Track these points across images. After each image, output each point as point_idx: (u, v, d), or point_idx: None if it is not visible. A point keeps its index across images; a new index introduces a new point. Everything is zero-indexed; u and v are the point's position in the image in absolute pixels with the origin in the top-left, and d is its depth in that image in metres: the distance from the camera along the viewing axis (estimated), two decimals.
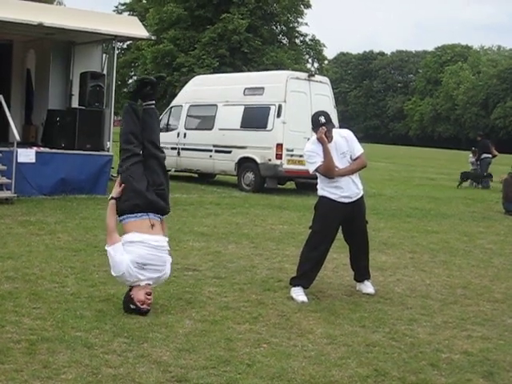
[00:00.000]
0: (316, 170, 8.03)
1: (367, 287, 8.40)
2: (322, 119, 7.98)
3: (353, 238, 8.38)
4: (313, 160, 8.02)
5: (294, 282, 8.00)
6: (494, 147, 28.92)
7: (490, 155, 28.40)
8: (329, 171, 7.94)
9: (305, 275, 8.02)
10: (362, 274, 8.48)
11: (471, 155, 30.17)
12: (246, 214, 14.90)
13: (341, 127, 19.46)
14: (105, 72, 18.15)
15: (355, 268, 8.52)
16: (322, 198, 8.12)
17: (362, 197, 8.22)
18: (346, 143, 8.10)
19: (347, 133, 8.26)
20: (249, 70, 45.93)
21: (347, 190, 8.01)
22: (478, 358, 6.02)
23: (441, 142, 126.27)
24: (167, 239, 7.24)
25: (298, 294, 7.86)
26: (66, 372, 5.10)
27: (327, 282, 8.65)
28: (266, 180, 19.98)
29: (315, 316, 7.07)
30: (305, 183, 20.70)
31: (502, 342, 6.57)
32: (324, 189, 8.10)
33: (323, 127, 7.90)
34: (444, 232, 14.04)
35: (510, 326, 7.18)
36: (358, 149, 8.15)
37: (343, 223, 8.16)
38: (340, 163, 8.00)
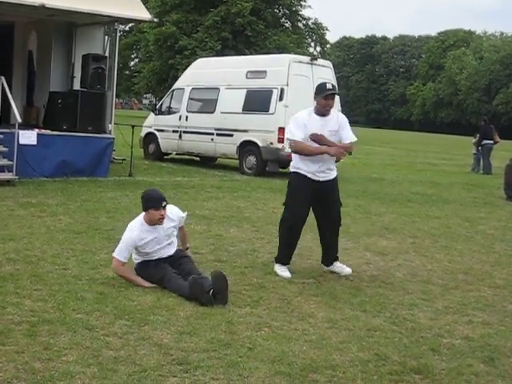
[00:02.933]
0: (290, 142, 8.15)
1: (341, 268, 8.42)
2: (329, 85, 8.06)
3: (323, 219, 8.39)
4: (296, 131, 8.06)
5: (276, 260, 8.26)
6: (496, 133, 28.65)
7: (491, 141, 28.14)
8: (302, 152, 8.07)
9: (280, 251, 8.25)
10: (330, 257, 8.49)
11: (474, 140, 29.93)
12: (248, 197, 14.89)
13: (343, 111, 19.48)
14: (107, 54, 18.10)
15: (324, 251, 8.53)
16: (293, 173, 8.25)
17: (335, 177, 8.28)
18: (336, 123, 8.13)
19: (342, 117, 8.31)
20: (251, 54, 45.83)
21: (317, 167, 8.04)
22: (478, 344, 6.01)
23: (443, 127, 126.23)
24: None
25: (281, 270, 8.08)
26: (66, 354, 5.10)
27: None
28: (267, 163, 19.95)
29: (316, 300, 7.07)
30: None
31: (503, 327, 6.57)
32: (294, 166, 8.21)
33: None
34: (445, 217, 14.03)
35: (511, 311, 7.17)
36: (349, 136, 8.16)
37: (315, 203, 8.19)
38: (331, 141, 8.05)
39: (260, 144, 19.70)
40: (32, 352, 5.08)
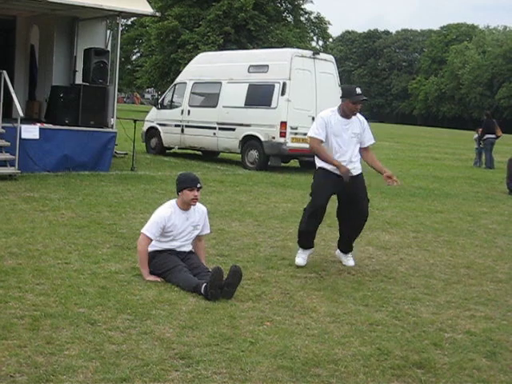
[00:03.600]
0: (311, 139, 8.29)
1: (348, 259, 8.61)
2: (359, 90, 8.17)
3: (345, 211, 8.48)
4: (318, 130, 8.20)
5: (298, 244, 8.46)
6: (498, 127, 28.53)
7: (493, 135, 28.05)
8: (317, 154, 8.32)
9: (301, 236, 8.40)
10: (348, 246, 8.68)
11: (476, 135, 29.84)
12: (250, 191, 14.89)
13: None
14: (109, 48, 18.08)
15: (343, 240, 8.68)
16: (319, 168, 8.36)
17: (360, 173, 8.37)
18: (360, 126, 8.29)
19: (364, 120, 8.41)
20: (254, 48, 45.77)
21: (344, 163, 8.10)
22: (480, 338, 6.02)
23: (445, 121, 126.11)
24: None
25: (299, 255, 8.36)
26: (69, 348, 5.10)
27: (330, 261, 8.64)
28: (269, 158, 19.94)
29: (318, 294, 7.07)
30: (308, 161, 20.64)
31: (505, 322, 6.57)
32: (320, 161, 8.31)
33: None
34: (448, 212, 14.03)
35: None
36: (370, 138, 8.40)
37: (339, 195, 8.31)
38: (348, 142, 8.20)
39: (262, 138, 19.69)
40: (34, 346, 5.09)
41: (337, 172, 8.11)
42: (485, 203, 15.98)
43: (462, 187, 19.37)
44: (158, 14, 20.00)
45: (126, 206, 11.65)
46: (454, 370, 5.25)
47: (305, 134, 19.38)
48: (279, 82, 19.50)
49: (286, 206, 13.22)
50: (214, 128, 21.07)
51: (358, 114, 8.39)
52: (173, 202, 7.51)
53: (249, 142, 20.17)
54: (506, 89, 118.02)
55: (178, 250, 7.37)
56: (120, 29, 17.46)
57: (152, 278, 7.13)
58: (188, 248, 7.49)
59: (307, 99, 19.54)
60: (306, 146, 19.37)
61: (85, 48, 17.24)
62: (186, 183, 7.34)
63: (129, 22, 75.20)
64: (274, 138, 19.44)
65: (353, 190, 8.24)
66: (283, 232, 10.42)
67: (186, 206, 7.40)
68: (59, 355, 4.96)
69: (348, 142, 8.18)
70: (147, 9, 17.78)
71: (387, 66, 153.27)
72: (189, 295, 6.63)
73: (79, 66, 17.58)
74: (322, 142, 8.18)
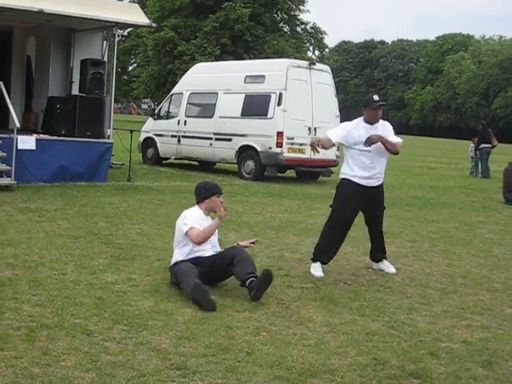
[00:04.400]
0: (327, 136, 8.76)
1: (387, 267, 8.94)
2: (376, 97, 8.61)
3: (369, 221, 8.91)
4: (334, 131, 8.86)
5: (313, 258, 8.58)
6: (494, 137, 28.50)
7: (489, 145, 28.02)
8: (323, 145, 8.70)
9: (321, 251, 8.54)
10: (376, 254, 9.01)
11: (472, 145, 29.79)
12: (246, 202, 14.89)
13: (341, 116, 19.48)
14: (105, 59, 18.12)
15: (372, 249, 9.07)
16: (343, 179, 8.65)
17: (382, 183, 8.73)
18: (383, 130, 8.61)
19: (388, 124, 8.78)
20: (250, 58, 45.82)
21: (369, 173, 8.50)
22: (477, 348, 6.02)
23: (441, 131, 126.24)
24: None
25: (316, 269, 8.45)
26: (65, 359, 5.10)
27: (327, 271, 8.63)
28: (266, 168, 19.95)
29: (315, 304, 7.07)
30: (305, 172, 20.70)
31: (501, 331, 6.57)
32: (344, 172, 8.65)
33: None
34: (444, 221, 14.04)
35: (509, 315, 7.17)
36: (394, 137, 8.67)
37: (362, 207, 8.62)
38: (376, 151, 8.52)
39: (259, 149, 19.71)
40: (31, 357, 5.09)
41: (361, 182, 8.48)
42: (481, 213, 15.99)
43: (458, 197, 19.40)
44: (154, 24, 19.97)
45: (123, 217, 11.65)
46: (451, 379, 5.26)
47: (301, 145, 19.49)
48: (275, 93, 19.54)
49: (283, 216, 13.22)
50: (211, 138, 21.08)
51: (383, 121, 8.73)
52: (197, 207, 7.83)
53: (245, 152, 20.19)
54: (502, 98, 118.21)
55: (203, 255, 7.51)
56: (116, 39, 17.48)
57: (224, 213, 7.46)
58: (210, 252, 7.62)
59: (303, 109, 19.57)
60: (303, 156, 19.65)
61: (81, 59, 17.27)
62: (214, 190, 7.80)
63: (125, 33, 75.23)
64: (270, 148, 19.46)
65: (373, 199, 8.66)
66: (279, 242, 10.42)
67: (209, 212, 7.81)
68: (55, 366, 4.96)
69: (376, 150, 8.49)
70: (143, 20, 17.83)
71: (383, 76, 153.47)
72: (185, 306, 6.64)
73: (76, 77, 17.60)
74: (333, 145, 8.94)
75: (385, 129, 8.64)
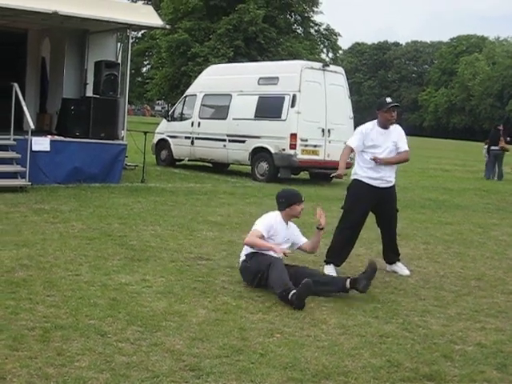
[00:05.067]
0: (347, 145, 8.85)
1: (401, 269, 8.99)
2: (389, 99, 8.71)
3: (381, 222, 9.00)
4: (352, 138, 8.82)
5: (326, 260, 8.69)
6: (502, 139, 27.95)
7: (497, 147, 27.80)
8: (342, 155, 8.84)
9: (334, 253, 8.65)
10: (389, 256, 9.09)
11: (485, 147, 29.62)
12: (260, 203, 14.88)
13: (355, 118, 19.47)
14: (119, 61, 18.16)
15: (384, 251, 9.14)
16: (354, 180, 8.75)
17: (393, 185, 8.84)
18: (396, 134, 8.73)
19: (400, 129, 8.85)
20: (264, 60, 45.81)
21: (377, 174, 8.60)
22: (491, 350, 6.00)
23: (455, 132, 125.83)
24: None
25: (329, 271, 8.51)
26: (79, 360, 5.12)
27: (340, 273, 8.62)
28: (279, 170, 19.95)
29: (328, 306, 7.07)
30: (318, 173, 20.68)
31: None
32: (356, 172, 8.75)
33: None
34: (458, 223, 14.00)
35: None
36: (404, 146, 8.73)
37: (374, 207, 8.70)
38: (388, 153, 8.65)
39: (272, 150, 19.71)
40: (45, 358, 5.10)
41: (371, 182, 8.60)
42: (495, 215, 15.95)
43: (472, 199, 19.34)
44: (167, 26, 20.06)
45: (137, 218, 11.67)
46: (465, 382, 5.25)
47: (315, 146, 19.49)
48: (289, 94, 19.54)
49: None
50: (224, 140, 21.10)
51: (396, 125, 8.79)
52: (277, 212, 8.03)
53: (259, 153, 20.19)
54: None
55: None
56: (130, 41, 17.52)
57: (280, 249, 7.61)
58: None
59: (317, 111, 19.57)
60: (316, 157, 19.64)
61: (95, 61, 17.31)
62: (296, 198, 7.97)
63: (139, 35, 75.45)
64: (284, 149, 19.46)
65: (384, 200, 8.73)
66: None
67: (288, 219, 8.02)
68: (70, 366, 4.98)
69: (387, 153, 8.62)
70: (157, 21, 17.86)
71: (397, 78, 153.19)
72: (199, 307, 6.65)
73: (90, 79, 17.66)
74: (352, 150, 8.78)
75: (398, 134, 8.73)
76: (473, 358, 5.76)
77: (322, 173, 20.58)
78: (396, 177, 8.93)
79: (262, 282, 7.43)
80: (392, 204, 8.89)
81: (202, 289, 7.37)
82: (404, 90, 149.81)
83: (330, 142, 19.75)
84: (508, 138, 30.72)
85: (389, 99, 8.70)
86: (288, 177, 20.09)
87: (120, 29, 17.85)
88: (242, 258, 7.85)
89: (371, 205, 8.65)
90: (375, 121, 8.71)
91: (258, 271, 7.44)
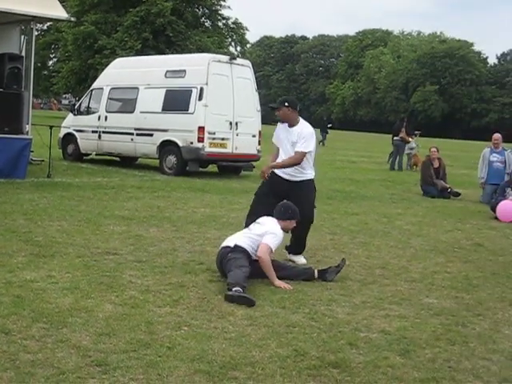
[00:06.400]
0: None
1: (299, 258, 9.27)
2: (278, 100, 9.13)
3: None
4: (274, 136, 9.33)
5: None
6: (403, 131, 28.55)
7: (398, 138, 28.61)
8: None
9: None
10: (299, 247, 9.37)
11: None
12: (168, 197, 14.85)
13: (263, 111, 19.56)
14: (23, 54, 17.81)
15: (293, 242, 9.35)
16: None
17: (303, 181, 9.08)
18: (297, 135, 8.90)
19: (307, 130, 8.97)
20: (172, 53, 45.53)
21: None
22: (395, 337, 6.14)
23: (362, 125, 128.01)
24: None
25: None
26: None
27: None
28: (187, 163, 19.91)
29: None
30: (227, 166, 20.75)
31: (419, 320, 6.72)
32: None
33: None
34: (364, 214, 14.26)
35: (427, 304, 7.34)
36: (298, 146, 8.88)
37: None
38: (290, 151, 8.93)
39: (180, 144, 19.65)
40: None
41: (280, 174, 9.05)
42: (400, 205, 16.30)
43: (378, 189, 19.72)
44: (73, 19, 19.84)
45: (42, 214, 11.48)
46: (369, 368, 5.35)
47: (223, 139, 19.54)
48: (196, 87, 19.50)
49: (205, 211, 13.23)
50: (132, 134, 20.93)
51: (307, 125, 9.04)
52: (276, 221, 8.22)
53: (167, 147, 20.10)
54: (421, 93, 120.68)
55: None
56: (34, 34, 17.20)
57: (282, 284, 7.71)
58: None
59: (225, 104, 19.60)
60: (224, 150, 19.68)
61: None
62: (297, 215, 8.32)
63: (45, 27, 73.98)
64: (191, 143, 19.42)
65: (297, 194, 8.95)
66: (201, 237, 10.42)
67: (284, 231, 8.33)
68: None
69: (290, 150, 8.93)
70: (62, 14, 17.59)
71: (305, 71, 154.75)
72: (105, 302, 6.60)
73: None
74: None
75: (298, 134, 8.91)
76: (377, 345, 5.89)
77: (230, 166, 20.68)
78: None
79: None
80: (302, 198, 9.05)
81: (109, 283, 7.31)
82: (312, 84, 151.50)
83: (237, 134, 19.83)
84: (416, 132, 31.49)
85: (278, 100, 9.15)
86: (196, 170, 20.07)
87: (23, 21, 17.52)
88: (229, 245, 7.98)
89: (279, 194, 8.91)
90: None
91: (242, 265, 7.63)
